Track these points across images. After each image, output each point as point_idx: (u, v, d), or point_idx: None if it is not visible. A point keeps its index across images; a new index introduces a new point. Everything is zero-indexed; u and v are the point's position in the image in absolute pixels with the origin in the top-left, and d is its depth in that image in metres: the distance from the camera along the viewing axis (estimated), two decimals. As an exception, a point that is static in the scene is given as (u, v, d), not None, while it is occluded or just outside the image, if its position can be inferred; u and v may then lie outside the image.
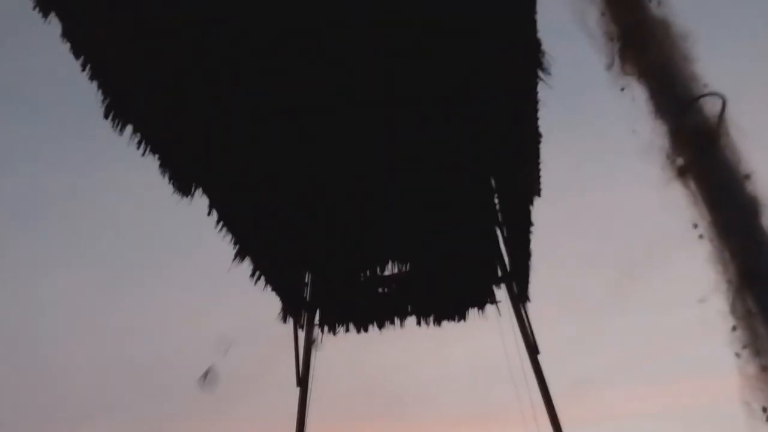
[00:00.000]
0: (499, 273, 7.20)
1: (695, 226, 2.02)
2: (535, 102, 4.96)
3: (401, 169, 6.51)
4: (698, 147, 2.01)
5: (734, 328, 1.91)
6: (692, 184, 2.03)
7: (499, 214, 6.98)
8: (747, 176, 2.00)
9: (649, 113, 2.10)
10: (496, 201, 6.95)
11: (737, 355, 1.87)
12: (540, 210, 6.06)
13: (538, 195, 6.07)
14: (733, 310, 1.90)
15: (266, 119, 5.56)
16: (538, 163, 5.69)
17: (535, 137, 5.32)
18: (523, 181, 5.83)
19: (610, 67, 2.21)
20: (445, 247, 7.20)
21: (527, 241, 6.44)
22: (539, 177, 5.82)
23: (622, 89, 2.20)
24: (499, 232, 7.09)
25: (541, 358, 6.82)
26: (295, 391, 6.91)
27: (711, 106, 2.02)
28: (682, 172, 2.04)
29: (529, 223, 6.19)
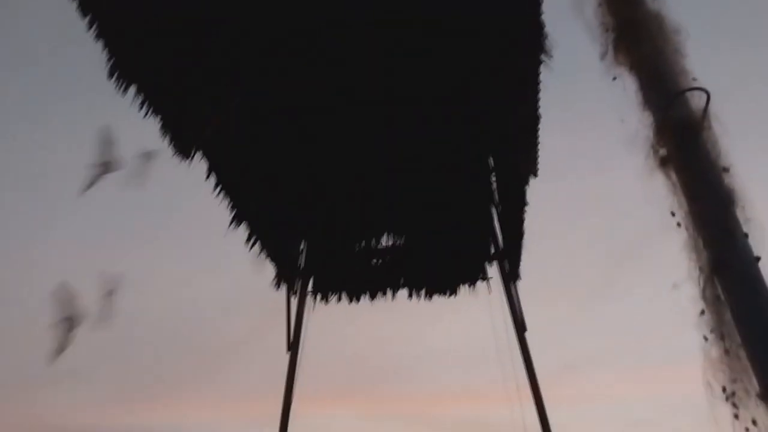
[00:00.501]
0: (492, 250, 7.30)
1: (673, 214, 2.09)
2: (537, 83, 4.99)
3: (401, 143, 6.54)
4: (680, 139, 2.06)
5: (702, 313, 2.00)
6: (673, 175, 2.09)
7: (495, 193, 7.03)
8: (726, 169, 2.07)
9: (638, 104, 2.16)
10: (493, 180, 6.99)
11: (705, 338, 1.96)
12: (535, 190, 6.12)
13: (535, 175, 6.12)
14: (703, 296, 1.98)
15: (268, 85, 5.57)
16: (537, 144, 5.73)
17: (535, 118, 5.35)
18: (520, 161, 5.88)
19: (604, 56, 2.26)
20: (441, 222, 7.28)
21: (521, 221, 6.51)
22: (537, 157, 5.87)
23: (614, 79, 2.25)
24: (494, 211, 7.15)
25: (529, 336, 6.94)
26: (285, 357, 7.01)
27: (696, 101, 2.08)
28: (663, 163, 2.10)
29: (524, 203, 6.25)
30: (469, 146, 6.58)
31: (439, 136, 6.40)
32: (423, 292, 7.39)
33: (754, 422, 1.86)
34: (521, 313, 7.07)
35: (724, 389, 1.92)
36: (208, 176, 5.91)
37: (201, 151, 5.65)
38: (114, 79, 4.72)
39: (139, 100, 4.94)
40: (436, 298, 7.41)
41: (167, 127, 5.27)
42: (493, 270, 7.32)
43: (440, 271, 7.43)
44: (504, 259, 7.18)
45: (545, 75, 4.83)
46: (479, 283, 7.40)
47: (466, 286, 7.42)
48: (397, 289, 7.40)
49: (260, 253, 6.76)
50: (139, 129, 5.15)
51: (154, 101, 5.04)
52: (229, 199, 6.16)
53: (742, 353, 1.91)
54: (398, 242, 7.44)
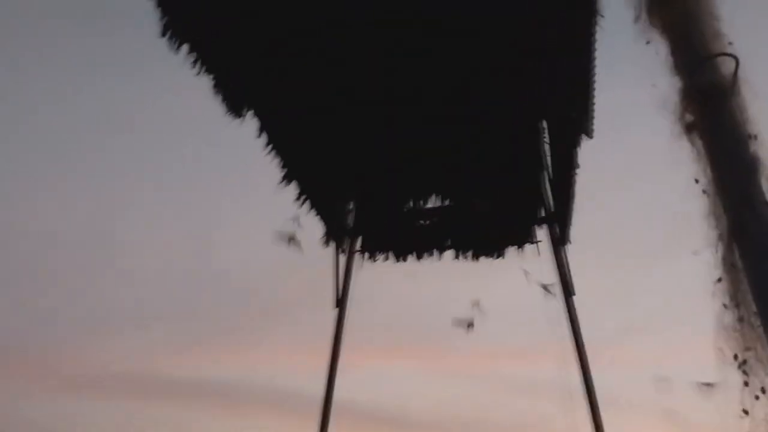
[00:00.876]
0: (542, 214, 7.24)
1: (697, 181, 2.06)
2: (591, 40, 4.86)
3: (452, 104, 6.48)
4: (706, 105, 2.02)
5: (719, 280, 1.99)
6: (698, 141, 2.05)
7: (547, 155, 6.94)
8: (752, 136, 2.01)
9: (668, 68, 2.11)
10: (545, 141, 6.89)
11: (724, 305, 1.95)
12: (587, 152, 6.01)
13: (590, 137, 6.01)
14: (721, 263, 1.96)
15: (319, 44, 5.57)
16: (591, 104, 5.61)
17: (589, 76, 5.23)
18: (573, 122, 5.77)
19: (637, 19, 2.21)
20: (490, 184, 7.24)
21: (572, 184, 6.43)
22: (591, 118, 5.75)
23: (648, 42, 2.20)
24: (544, 173, 7.07)
25: (580, 300, 6.91)
26: (332, 313, 7.19)
27: (726, 66, 2.02)
28: (689, 129, 2.06)
29: (574, 165, 6.15)
30: (521, 106, 6.48)
31: (491, 96, 6.31)
32: (470, 253, 7.41)
33: (763, 390, 1.86)
34: (569, 277, 7.03)
35: (735, 357, 1.92)
36: (259, 135, 6.03)
37: (252, 110, 5.76)
38: (167, 37, 4.84)
39: (192, 59, 5.06)
40: (482, 259, 7.42)
41: (219, 86, 5.39)
42: (542, 233, 7.28)
43: (487, 234, 7.42)
44: (554, 223, 7.11)
45: (599, 32, 4.70)
46: (527, 246, 7.37)
47: (514, 248, 7.40)
48: (444, 250, 7.44)
49: (310, 211, 6.89)
50: (192, 88, 5.30)
51: (207, 60, 5.14)
52: (279, 158, 6.28)
53: (756, 321, 1.90)
54: (447, 203, 7.45)
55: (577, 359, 6.74)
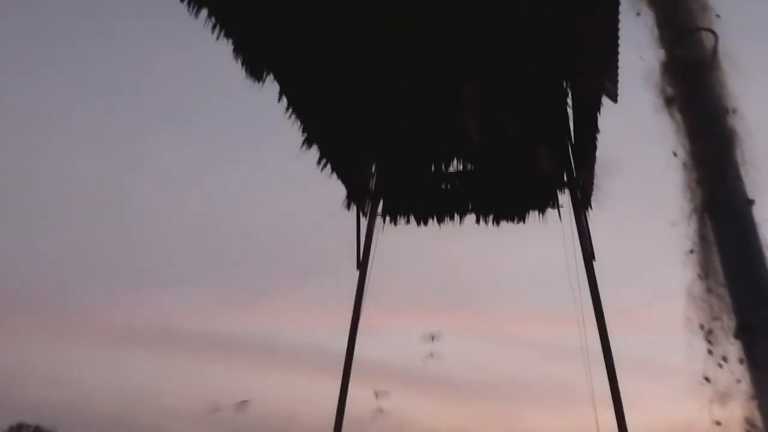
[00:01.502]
0: (565, 178, 7.20)
1: (675, 154, 2.07)
2: (617, 2, 4.77)
3: (475, 66, 6.44)
4: (685, 79, 2.01)
5: (691, 251, 2.01)
6: (677, 115, 2.05)
7: (570, 119, 6.87)
8: (730, 110, 2.01)
9: (654, 41, 2.10)
10: (569, 104, 6.82)
11: (699, 276, 1.98)
12: (611, 115, 5.94)
13: (614, 101, 5.94)
14: (694, 235, 1.99)
15: (339, 5, 5.56)
16: (616, 67, 5.53)
17: (614, 37, 5.14)
18: (597, 86, 5.70)
19: (628, -11, 2.20)
20: (512, 149, 7.21)
21: (594, 148, 6.38)
22: (616, 81, 5.68)
23: (638, 14, 2.19)
24: (567, 137, 7.01)
25: (604, 266, 6.92)
26: (355, 275, 7.32)
27: (707, 40, 2.00)
28: (669, 102, 2.06)
29: (597, 129, 6.11)
30: (545, 68, 6.40)
31: (514, 57, 6.25)
32: (491, 217, 7.43)
33: (724, 359, 1.90)
34: (591, 242, 7.03)
35: (702, 326, 1.96)
36: (280, 98, 6.09)
37: (272, 73, 5.81)
38: (185, 1, 4.90)
39: (211, 23, 5.11)
40: (504, 224, 7.44)
41: (239, 50, 5.44)
42: (564, 198, 7.26)
43: (509, 198, 7.42)
44: (576, 188, 7.08)
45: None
46: (549, 211, 7.36)
47: (536, 213, 7.40)
48: (465, 214, 7.48)
49: (332, 174, 6.96)
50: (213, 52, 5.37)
51: (226, 24, 5.19)
52: (300, 121, 6.34)
53: (725, 293, 1.93)
54: (468, 167, 7.45)
55: (597, 324, 6.77)
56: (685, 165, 2.03)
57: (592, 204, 7.09)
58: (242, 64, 5.55)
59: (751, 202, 1.94)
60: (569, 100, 6.76)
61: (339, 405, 6.98)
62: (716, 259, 1.94)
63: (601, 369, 6.63)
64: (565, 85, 6.63)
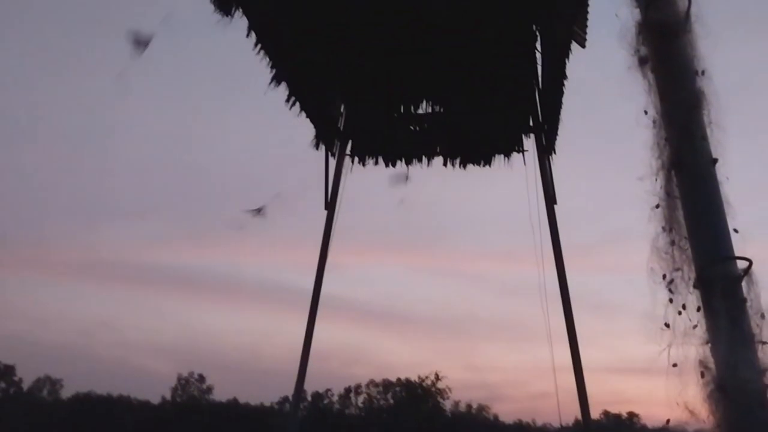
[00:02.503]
0: (530, 123, 7.31)
1: (645, 113, 2.17)
2: None
3: (445, 7, 6.41)
4: (658, 40, 2.09)
5: (657, 206, 2.14)
6: (649, 74, 2.14)
7: (539, 65, 6.92)
8: (699, 72, 2.10)
9: (630, 0, 2.16)
10: (538, 50, 6.86)
11: (663, 229, 2.11)
12: (577, 63, 6.00)
13: (582, 46, 5.98)
14: (660, 191, 2.10)
15: None
16: (586, 12, 5.56)
17: None
18: (567, 32, 5.74)
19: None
20: (481, 92, 7.27)
21: (561, 94, 6.46)
22: (585, 27, 5.71)
23: (615, -28, 2.24)
24: (535, 83, 7.08)
25: (566, 209, 7.11)
26: (323, 215, 7.38)
27: (681, 3, 2.07)
28: (642, 62, 2.14)
29: (564, 76, 6.17)
30: (514, 12, 6.41)
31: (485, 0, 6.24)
32: (458, 160, 7.53)
33: (684, 307, 2.05)
34: (553, 186, 7.20)
35: (664, 276, 2.10)
36: (248, 34, 5.98)
37: (241, 9, 5.69)
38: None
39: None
40: (470, 167, 7.55)
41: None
42: (529, 143, 7.37)
43: (476, 141, 7.51)
44: (541, 133, 7.20)
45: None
46: (514, 155, 7.49)
47: (501, 157, 7.52)
48: (433, 157, 7.56)
49: (300, 113, 6.93)
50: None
51: None
52: (269, 58, 6.26)
53: (686, 245, 2.06)
54: (437, 110, 7.50)
55: (557, 265, 7.00)
56: (654, 123, 2.12)
57: (556, 149, 7.22)
58: (211, -1, 5.42)
59: (715, 161, 2.06)
60: (538, 46, 6.80)
61: (305, 342, 7.15)
62: (680, 215, 2.06)
63: (558, 306, 6.90)
64: (534, 29, 6.65)
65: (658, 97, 2.10)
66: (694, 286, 2.02)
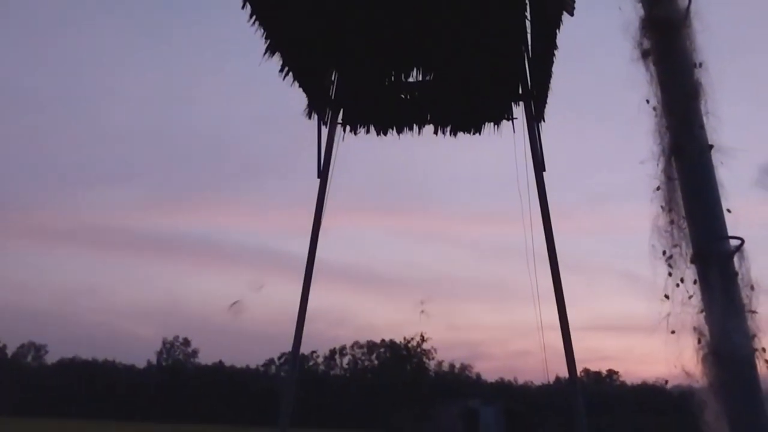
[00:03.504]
0: (520, 91, 7.43)
1: (647, 101, 2.33)
2: None
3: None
4: (660, 34, 2.24)
5: (658, 188, 2.33)
6: (651, 66, 2.30)
7: (528, 33, 7.02)
8: (697, 64, 2.26)
9: (634, -5, 2.30)
10: (527, 17, 6.95)
11: (663, 209, 2.30)
12: (567, 29, 6.10)
13: (571, 14, 6.09)
14: (660, 174, 2.29)
15: None
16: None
17: None
18: (556, 2, 5.83)
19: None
20: (471, 60, 7.37)
21: (550, 63, 6.58)
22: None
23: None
24: (524, 50, 7.19)
25: (558, 172, 7.28)
26: (316, 183, 7.49)
27: (680, 1, 2.22)
28: (645, 55, 2.30)
29: (554, 44, 6.28)
30: None
31: None
32: (448, 128, 7.66)
33: (681, 280, 2.26)
34: (542, 153, 7.36)
35: (664, 252, 2.30)
36: (243, 6, 6.02)
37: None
38: None
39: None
40: (460, 135, 7.69)
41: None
42: (518, 110, 7.51)
43: (466, 109, 7.64)
44: (530, 100, 7.33)
45: None
46: (504, 123, 7.63)
47: (491, 125, 7.66)
48: (424, 125, 7.68)
49: (293, 83, 7.00)
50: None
51: None
52: (263, 29, 6.31)
53: (685, 224, 2.26)
54: (427, 78, 7.59)
55: (545, 229, 7.20)
56: (655, 112, 2.29)
57: (545, 117, 7.36)
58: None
59: (711, 148, 2.24)
60: (527, 14, 6.89)
61: (300, 308, 7.33)
62: (679, 196, 2.25)
63: (542, 268, 7.11)
64: (524, -2, 6.74)
65: (659, 88, 2.27)
66: (692, 261, 2.22)
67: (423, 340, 79.86)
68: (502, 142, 7.52)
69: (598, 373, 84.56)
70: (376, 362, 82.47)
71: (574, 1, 5.96)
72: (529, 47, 7.10)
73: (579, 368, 7.36)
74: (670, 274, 2.26)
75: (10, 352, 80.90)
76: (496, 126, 7.64)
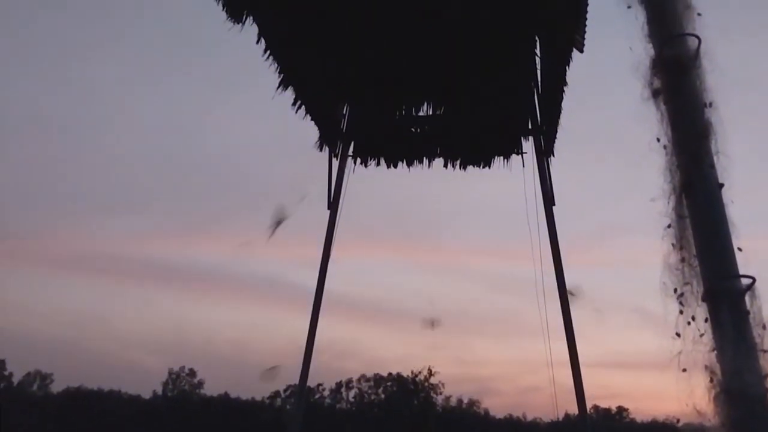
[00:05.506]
0: (529, 126, 7.50)
1: (658, 140, 2.37)
2: None
3: (448, 13, 6.57)
4: (670, 75, 2.28)
5: (669, 226, 2.35)
6: (662, 105, 2.34)
7: (538, 69, 7.10)
8: (707, 104, 2.30)
9: (644, 36, 2.35)
10: (537, 54, 7.04)
11: (674, 247, 2.31)
12: (577, 64, 6.18)
13: (580, 51, 6.16)
14: (671, 212, 2.31)
15: None
16: (585, 19, 5.73)
17: None
18: (568, 39, 5.91)
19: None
20: (481, 95, 7.45)
21: (560, 98, 6.64)
22: (584, 33, 5.89)
23: (629, 7, 2.43)
24: (534, 86, 7.26)
25: (564, 207, 7.30)
26: (326, 214, 7.54)
27: (691, 42, 2.27)
28: (655, 94, 2.34)
29: (564, 81, 6.35)
30: (515, 17, 6.58)
31: (487, 6, 6.40)
32: (458, 162, 7.71)
33: (693, 318, 2.26)
34: (552, 188, 7.39)
35: (675, 290, 2.31)
36: (258, 41, 6.14)
37: (252, 16, 5.84)
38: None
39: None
40: (470, 169, 7.74)
41: (220, -8, 5.45)
42: (528, 145, 7.56)
43: (476, 143, 7.70)
44: (540, 135, 7.38)
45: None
46: (513, 157, 7.68)
47: (501, 159, 7.71)
48: (434, 158, 7.74)
49: (305, 116, 7.09)
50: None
51: None
52: (277, 64, 6.42)
53: (695, 262, 2.27)
54: (438, 112, 7.67)
55: (554, 264, 7.19)
56: (666, 150, 2.32)
57: (554, 152, 7.41)
58: (223, 5, 5.57)
59: (721, 186, 2.27)
60: (537, 50, 6.98)
61: (308, 341, 7.31)
62: (690, 234, 2.27)
63: (551, 304, 7.08)
64: (535, 36, 6.83)
65: (670, 127, 2.30)
66: (703, 300, 2.23)
67: (431, 374, 79.11)
68: (512, 176, 7.57)
69: (608, 410, 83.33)
70: (382, 396, 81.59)
71: (583, 39, 6.05)
72: (539, 83, 7.18)
73: (589, 405, 7.28)
74: (681, 312, 2.26)
75: (16, 380, 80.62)
76: (505, 160, 7.70)
